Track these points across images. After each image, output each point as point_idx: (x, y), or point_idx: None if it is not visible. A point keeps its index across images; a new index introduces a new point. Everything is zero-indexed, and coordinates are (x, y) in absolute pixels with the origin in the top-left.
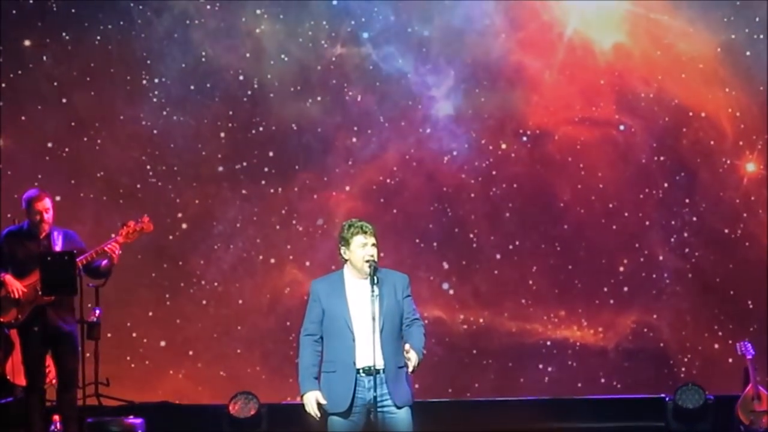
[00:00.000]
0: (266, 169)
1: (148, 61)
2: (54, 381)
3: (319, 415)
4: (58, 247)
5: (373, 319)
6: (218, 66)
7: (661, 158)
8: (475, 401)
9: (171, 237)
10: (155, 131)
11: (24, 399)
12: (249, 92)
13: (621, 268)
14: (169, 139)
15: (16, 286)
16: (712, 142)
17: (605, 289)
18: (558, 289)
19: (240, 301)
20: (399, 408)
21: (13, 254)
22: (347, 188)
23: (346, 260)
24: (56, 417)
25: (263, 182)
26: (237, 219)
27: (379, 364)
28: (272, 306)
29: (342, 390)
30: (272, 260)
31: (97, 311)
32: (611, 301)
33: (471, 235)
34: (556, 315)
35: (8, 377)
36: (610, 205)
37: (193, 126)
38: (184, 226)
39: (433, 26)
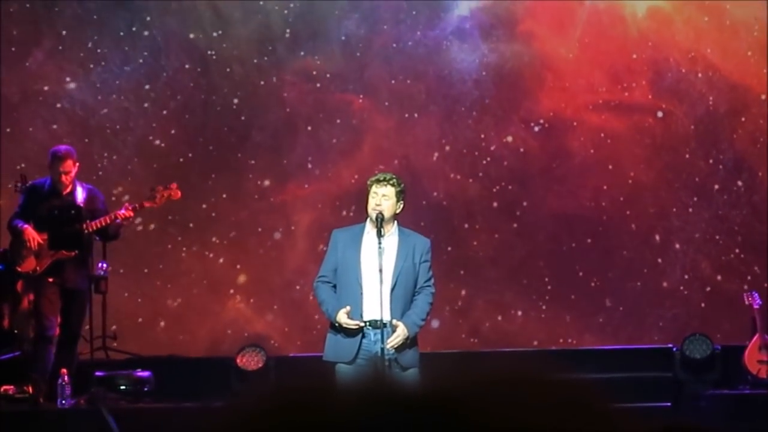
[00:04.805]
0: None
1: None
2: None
3: (360, 324)
4: (79, 202)
5: (380, 271)
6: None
7: (710, 153)
8: (478, 352)
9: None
10: (94, 113)
11: (32, 350)
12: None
13: (660, 294)
14: (114, 122)
15: (33, 236)
16: None
17: (641, 320)
18: (580, 319)
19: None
20: (404, 370)
21: (34, 208)
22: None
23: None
24: (64, 370)
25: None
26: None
27: (386, 318)
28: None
29: (348, 341)
30: None
31: (104, 265)
32: (649, 336)
33: (469, 252)
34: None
35: (16, 330)
36: (646, 213)
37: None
38: None
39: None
